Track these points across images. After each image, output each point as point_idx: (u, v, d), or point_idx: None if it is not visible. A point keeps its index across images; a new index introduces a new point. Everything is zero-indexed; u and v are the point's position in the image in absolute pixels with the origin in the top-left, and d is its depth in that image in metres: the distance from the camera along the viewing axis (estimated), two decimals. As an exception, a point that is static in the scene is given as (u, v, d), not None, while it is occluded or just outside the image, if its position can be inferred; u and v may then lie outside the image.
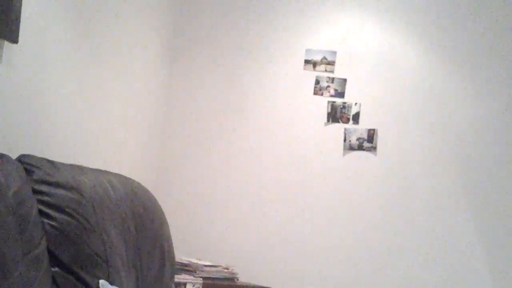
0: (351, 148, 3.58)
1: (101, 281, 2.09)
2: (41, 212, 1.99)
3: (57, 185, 2.07)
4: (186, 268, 3.25)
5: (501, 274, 3.33)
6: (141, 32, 3.37)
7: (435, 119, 3.50)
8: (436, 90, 3.52)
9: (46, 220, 1.99)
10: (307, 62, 3.66)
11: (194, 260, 3.34)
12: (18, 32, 2.19)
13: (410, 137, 3.52)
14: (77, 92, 2.73)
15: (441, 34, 3.54)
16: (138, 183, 2.72)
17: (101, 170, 2.51)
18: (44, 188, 2.04)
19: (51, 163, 2.16)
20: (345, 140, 3.58)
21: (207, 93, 3.79)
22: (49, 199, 2.03)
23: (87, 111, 2.84)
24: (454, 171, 3.45)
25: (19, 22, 2.18)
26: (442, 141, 3.48)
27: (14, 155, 2.14)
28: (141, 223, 2.54)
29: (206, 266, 3.30)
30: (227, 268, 3.39)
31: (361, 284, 3.49)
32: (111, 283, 2.13)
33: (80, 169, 2.30)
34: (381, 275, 3.46)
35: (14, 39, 2.17)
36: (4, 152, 2.01)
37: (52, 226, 2.00)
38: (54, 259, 2.00)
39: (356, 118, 3.58)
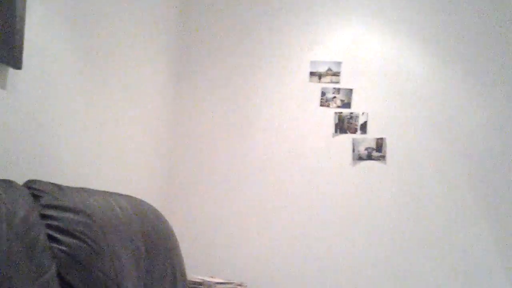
0: (360, 158, 3.56)
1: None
2: (49, 237, 1.98)
3: (65, 209, 2.07)
4: (199, 287, 3.23)
5: (518, 280, 3.29)
6: (148, 53, 3.38)
7: (443, 125, 3.48)
8: (443, 96, 3.50)
9: (55, 245, 1.98)
10: (312, 74, 3.66)
11: (206, 278, 3.32)
12: (22, 58, 2.19)
13: (419, 145, 3.50)
14: (83, 115, 2.73)
15: (445, 40, 3.52)
16: (147, 204, 2.71)
17: (109, 192, 2.51)
18: (52, 212, 2.03)
19: (58, 187, 2.15)
20: (353, 150, 3.57)
21: (214, 111, 3.79)
22: (57, 223, 2.02)
23: (94, 134, 2.84)
24: (465, 176, 3.42)
25: (22, 47, 2.18)
26: (451, 147, 3.46)
27: (21, 181, 2.14)
28: (151, 243, 2.52)
29: (218, 283, 3.27)
30: (240, 285, 3.37)
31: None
32: (123, 306, 2.11)
33: (88, 192, 2.30)
34: (394, 285, 3.43)
35: (17, 65, 2.17)
36: (11, 178, 2.01)
37: (61, 250, 1.99)
38: (64, 284, 1.98)
39: (363, 128, 3.56)
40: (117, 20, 3.00)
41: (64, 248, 2.00)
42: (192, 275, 3.36)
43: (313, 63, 3.67)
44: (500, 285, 3.30)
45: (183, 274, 2.78)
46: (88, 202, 2.18)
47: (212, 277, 3.40)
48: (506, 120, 3.41)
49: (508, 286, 3.29)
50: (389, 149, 3.53)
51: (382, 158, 3.54)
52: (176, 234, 3.06)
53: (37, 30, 2.33)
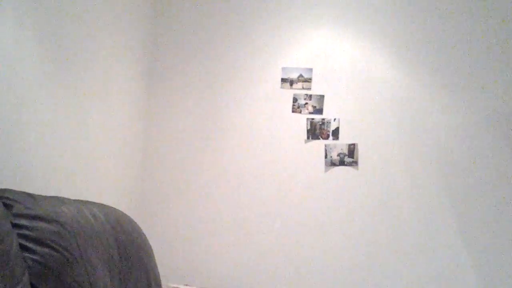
0: (333, 163, 3.58)
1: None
2: (22, 246, 1.97)
3: (37, 218, 2.05)
4: (174, 295, 3.22)
5: (485, 277, 3.33)
6: (119, 59, 3.37)
7: (413, 130, 3.52)
8: (414, 102, 3.54)
9: (27, 254, 1.97)
10: (284, 80, 3.68)
11: (181, 286, 3.31)
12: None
13: (390, 150, 3.53)
14: (54, 123, 2.70)
15: (417, 47, 3.57)
16: (121, 212, 2.69)
17: (82, 201, 2.49)
18: (24, 222, 2.01)
19: (30, 196, 2.14)
20: (326, 156, 3.59)
21: (185, 116, 3.79)
22: (29, 232, 2.00)
23: (66, 141, 2.82)
24: (436, 181, 3.46)
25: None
26: (423, 151, 3.50)
27: (-9, 190, 2.11)
28: (125, 252, 2.51)
29: (194, 291, 3.27)
30: (215, 292, 3.36)
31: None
32: (97, 314, 2.10)
33: (60, 200, 2.28)
34: (368, 285, 3.46)
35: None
36: (-19, 188, 1.98)
37: (34, 260, 1.98)
38: (37, 293, 1.96)
39: (335, 133, 3.59)
40: (87, 24, 2.99)
41: (36, 257, 1.98)
42: (167, 283, 3.34)
43: (284, 69, 3.69)
44: (470, 285, 3.34)
45: (158, 283, 2.77)
46: (60, 211, 2.16)
47: (186, 285, 3.39)
48: (474, 124, 3.46)
49: (477, 286, 3.33)
50: (361, 154, 3.57)
51: (354, 163, 3.56)
52: (150, 242, 3.04)
53: (6, 38, 2.31)
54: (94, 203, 2.55)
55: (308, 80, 3.65)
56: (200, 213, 3.70)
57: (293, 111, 3.65)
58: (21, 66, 2.44)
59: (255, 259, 3.60)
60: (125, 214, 2.71)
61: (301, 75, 3.66)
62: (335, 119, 3.60)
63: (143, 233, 2.76)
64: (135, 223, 2.75)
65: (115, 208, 2.67)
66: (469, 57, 3.50)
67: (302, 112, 3.64)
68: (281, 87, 3.67)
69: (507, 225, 3.35)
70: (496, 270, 3.32)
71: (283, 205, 3.61)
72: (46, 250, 2.02)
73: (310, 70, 3.66)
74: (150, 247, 2.79)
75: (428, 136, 3.50)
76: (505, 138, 3.41)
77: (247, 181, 3.66)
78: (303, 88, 3.65)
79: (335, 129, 3.59)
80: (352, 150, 3.56)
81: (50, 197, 2.27)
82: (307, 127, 3.63)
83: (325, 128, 3.60)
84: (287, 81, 3.67)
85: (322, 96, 3.63)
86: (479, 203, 3.39)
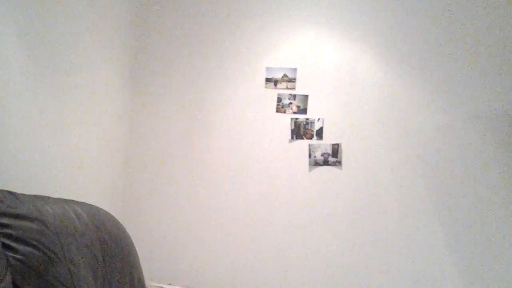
0: (316, 163, 3.60)
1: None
2: (4, 245, 1.95)
3: (20, 217, 2.04)
4: (158, 294, 3.21)
5: (469, 277, 3.36)
6: (103, 59, 3.35)
7: (397, 130, 3.54)
8: (398, 102, 3.56)
9: (9, 253, 1.95)
10: (268, 80, 3.69)
11: (165, 286, 3.30)
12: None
13: (374, 150, 3.55)
14: (39, 123, 2.69)
15: (401, 47, 3.59)
16: (105, 211, 2.68)
17: (65, 200, 2.47)
18: (6, 220, 2.00)
19: (13, 194, 2.12)
20: (310, 156, 3.60)
21: (170, 116, 3.79)
22: (11, 231, 1.99)
23: (49, 140, 2.80)
24: (419, 179, 3.49)
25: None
26: (405, 150, 3.52)
27: (-27, 189, 2.10)
28: (108, 251, 2.50)
29: (177, 290, 3.26)
30: (199, 292, 3.36)
31: (334, 299, 3.49)
32: (80, 314, 2.09)
33: (43, 199, 2.26)
34: (351, 285, 3.47)
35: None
36: (-37, 187, 1.97)
37: (16, 259, 1.96)
38: (19, 293, 1.95)
39: (319, 133, 3.60)
40: (71, 26, 2.97)
41: (18, 256, 1.97)
42: (150, 282, 3.33)
43: (268, 69, 3.70)
44: (453, 284, 3.36)
45: (141, 282, 2.76)
46: (43, 210, 2.15)
47: (170, 284, 3.38)
48: (458, 123, 3.49)
49: (460, 285, 3.36)
50: (345, 154, 3.58)
51: (338, 163, 3.58)
52: (133, 241, 3.03)
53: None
54: (77, 202, 2.54)
55: (293, 80, 3.66)
56: (184, 212, 3.70)
57: (277, 111, 3.66)
58: (4, 67, 2.42)
59: (238, 258, 3.60)
60: (109, 214, 2.70)
61: (285, 75, 3.67)
62: (319, 119, 3.62)
63: (126, 233, 2.75)
64: (119, 222, 2.74)
65: (98, 208, 2.66)
66: (454, 57, 3.53)
67: (286, 112, 3.65)
68: (266, 87, 3.68)
69: (492, 223, 3.37)
70: (481, 269, 3.35)
71: (267, 205, 3.61)
72: (29, 249, 2.00)
73: (295, 70, 3.67)
74: (133, 246, 2.78)
75: (412, 136, 3.52)
76: (490, 137, 3.44)
77: (231, 181, 3.67)
78: (287, 88, 3.66)
79: (319, 129, 3.60)
80: (336, 150, 3.58)
81: (33, 196, 2.25)
82: (291, 127, 3.64)
83: (309, 128, 3.61)
84: (271, 81, 3.68)
85: (306, 96, 3.64)
86: (464, 202, 3.42)
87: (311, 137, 3.61)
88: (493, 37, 3.50)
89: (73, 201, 2.52)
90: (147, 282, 3.20)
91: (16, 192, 2.16)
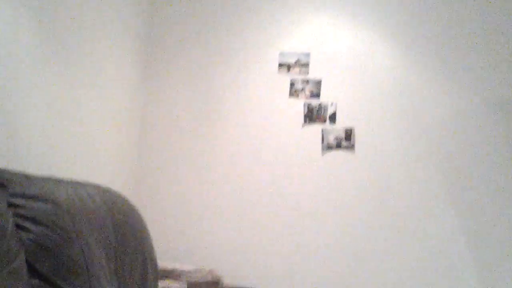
0: (329, 147, 3.61)
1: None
2: (18, 226, 1.99)
3: (33, 197, 2.08)
4: (170, 274, 3.25)
5: (482, 264, 3.36)
6: (115, 42, 3.38)
7: (410, 115, 3.53)
8: (410, 87, 3.55)
9: (23, 233, 1.99)
10: (281, 65, 3.69)
11: (177, 266, 3.34)
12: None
13: (387, 134, 3.55)
14: (52, 105, 2.73)
15: (415, 32, 3.57)
16: (117, 192, 2.72)
17: (78, 181, 2.51)
18: (19, 201, 2.04)
19: (26, 176, 2.16)
20: (323, 140, 3.61)
21: (183, 101, 3.81)
22: (25, 212, 2.03)
23: (62, 123, 2.84)
24: (431, 165, 3.48)
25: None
26: (419, 136, 3.52)
27: (-12, 170, 2.14)
28: (121, 231, 2.53)
29: (189, 271, 3.30)
30: (211, 272, 3.40)
31: (345, 280, 3.51)
32: (92, 293, 2.13)
33: (56, 181, 2.30)
34: (364, 270, 3.49)
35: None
36: (-22, 168, 2.01)
37: (29, 239, 2.00)
38: (33, 271, 1.99)
39: (332, 118, 3.61)
40: (84, 11, 3.00)
41: (32, 236, 2.01)
42: (163, 263, 3.38)
43: (282, 54, 3.70)
44: (466, 272, 3.37)
45: (154, 262, 2.80)
46: (56, 191, 2.19)
47: (182, 264, 3.43)
48: (471, 111, 3.47)
49: (473, 272, 3.36)
50: (358, 138, 3.59)
51: (351, 147, 3.59)
52: (146, 222, 3.07)
53: (3, 23, 2.33)
54: (90, 183, 2.57)
55: (306, 65, 3.66)
56: (196, 195, 3.73)
57: (290, 96, 3.67)
58: (18, 50, 2.46)
59: (249, 241, 3.64)
60: (121, 195, 2.74)
61: (298, 60, 3.67)
62: (332, 103, 3.62)
63: (139, 214, 2.79)
64: (131, 203, 2.78)
65: (111, 189, 2.70)
66: (470, 46, 3.50)
67: (299, 97, 3.66)
68: (279, 72, 3.69)
69: (508, 211, 3.36)
70: (494, 256, 3.35)
71: (279, 189, 3.64)
72: (42, 229, 2.04)
73: (308, 55, 3.67)
74: (146, 227, 2.81)
75: (426, 123, 3.51)
76: (505, 124, 3.42)
77: (244, 165, 3.69)
78: (300, 73, 3.66)
79: (332, 113, 3.61)
80: (349, 134, 3.58)
81: (47, 177, 2.29)
82: (304, 112, 3.64)
83: (322, 112, 3.62)
84: (284, 66, 3.68)
85: (319, 81, 3.65)
86: (476, 188, 3.41)
87: (324, 122, 3.62)
88: (506, 27, 3.47)
89: (86, 182, 2.56)
90: (160, 262, 3.25)
91: (29, 174, 2.20)
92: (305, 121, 3.64)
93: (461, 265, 3.37)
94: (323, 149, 3.61)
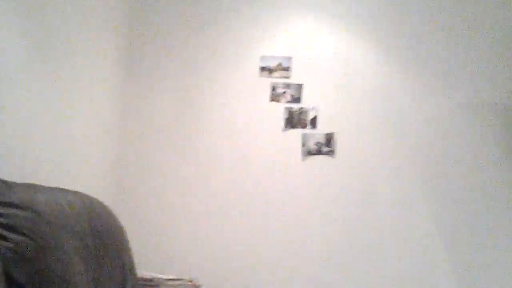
0: (310, 153, 3.59)
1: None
2: (-5, 234, 1.93)
3: (11, 204, 2.02)
4: (149, 284, 3.20)
5: (460, 266, 3.37)
6: (97, 48, 3.33)
7: (390, 120, 3.54)
8: (393, 91, 3.56)
9: (1, 241, 1.93)
10: (262, 69, 3.67)
11: (157, 275, 3.29)
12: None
13: (367, 139, 3.55)
14: (29, 109, 2.66)
15: (394, 37, 3.58)
16: (96, 200, 2.67)
17: (57, 188, 2.45)
18: (-3, 209, 1.98)
19: (4, 182, 2.10)
20: (303, 145, 3.59)
21: (162, 105, 3.76)
22: (3, 220, 1.97)
23: (41, 129, 2.78)
24: (412, 171, 3.49)
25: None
26: (398, 140, 3.52)
27: (-36, 176, 2.08)
28: (100, 239, 2.48)
29: (169, 280, 3.25)
30: (190, 281, 3.35)
31: (328, 286, 3.50)
32: (72, 303, 2.08)
33: (35, 187, 2.24)
34: (345, 276, 3.47)
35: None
36: (-47, 174, 1.94)
37: (7, 247, 1.94)
38: (11, 281, 1.93)
39: (313, 123, 3.59)
40: (67, 13, 2.95)
41: (10, 245, 1.95)
42: (142, 271, 3.32)
43: (263, 58, 3.68)
44: (446, 277, 3.38)
45: (133, 271, 2.75)
46: (35, 198, 2.13)
47: (162, 273, 3.37)
48: (453, 114, 3.49)
49: (452, 278, 3.37)
50: (338, 143, 3.58)
51: (331, 152, 3.57)
52: (125, 230, 3.02)
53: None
54: (69, 190, 2.52)
55: (287, 69, 3.64)
56: (175, 201, 3.69)
57: (271, 100, 3.65)
58: (5, 56, 2.40)
59: (230, 247, 3.60)
60: (101, 202, 2.69)
61: (280, 64, 3.65)
62: (313, 108, 3.60)
63: (118, 221, 2.74)
64: (111, 211, 2.73)
65: (90, 196, 2.64)
66: (454, 49, 3.53)
67: (280, 101, 3.64)
68: (260, 76, 3.67)
69: (487, 213, 3.38)
70: (475, 259, 3.37)
71: (259, 193, 3.61)
72: (20, 237, 1.98)
73: (289, 58, 3.65)
74: (125, 235, 2.77)
75: (406, 127, 3.52)
76: (485, 127, 3.45)
77: (223, 169, 3.65)
78: (281, 77, 3.64)
79: (313, 118, 3.59)
80: (329, 139, 3.57)
81: (25, 184, 2.23)
82: (285, 116, 3.62)
83: (303, 117, 3.60)
84: (266, 70, 3.66)
85: (300, 85, 3.63)
86: (458, 192, 3.43)
87: (304, 126, 3.60)
88: (489, 26, 3.49)
89: (65, 189, 2.50)
90: (139, 271, 3.19)
91: (7, 180, 2.14)
92: (285, 125, 3.62)
93: (443, 268, 3.38)
94: (303, 154, 3.59)
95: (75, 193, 2.53)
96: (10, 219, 1.98)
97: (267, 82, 3.66)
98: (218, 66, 3.72)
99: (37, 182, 2.44)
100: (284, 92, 3.64)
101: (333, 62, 3.62)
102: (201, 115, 3.71)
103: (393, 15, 3.59)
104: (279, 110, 3.63)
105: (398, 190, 3.49)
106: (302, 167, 3.59)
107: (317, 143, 3.58)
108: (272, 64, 3.66)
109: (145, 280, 3.20)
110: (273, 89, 3.65)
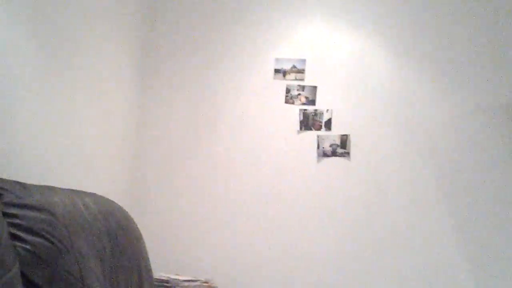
0: (325, 154, 3.59)
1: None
2: (12, 236, 1.95)
3: (28, 207, 2.04)
4: (165, 285, 3.22)
5: (479, 271, 3.35)
6: (112, 52, 3.35)
7: (406, 122, 3.53)
8: (407, 93, 3.54)
9: (18, 243, 1.95)
10: (277, 71, 3.67)
11: (173, 276, 3.31)
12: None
13: (382, 141, 3.54)
14: (48, 113, 2.69)
15: (409, 39, 3.57)
16: (112, 202, 2.69)
17: (74, 190, 2.48)
18: (14, 210, 2.00)
19: (21, 185, 2.12)
20: (318, 147, 3.59)
21: (179, 108, 3.78)
22: (20, 221, 1.99)
23: (59, 131, 2.80)
24: (428, 172, 3.47)
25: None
26: (414, 143, 3.50)
27: (-18, 179, 2.10)
28: (116, 241, 2.50)
29: (185, 281, 3.27)
30: (206, 282, 3.36)
31: (343, 287, 3.49)
32: (88, 304, 2.10)
33: (52, 190, 2.27)
34: (361, 277, 3.46)
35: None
36: (-28, 177, 1.97)
37: (24, 249, 1.96)
38: (28, 283, 1.95)
39: (328, 124, 3.59)
40: (80, 15, 2.97)
41: (27, 246, 1.97)
42: (158, 273, 3.34)
43: (277, 60, 3.68)
44: (462, 280, 3.35)
45: (149, 273, 2.77)
46: (52, 200, 2.15)
47: (177, 274, 3.39)
48: (468, 117, 3.47)
49: (469, 280, 3.35)
50: (353, 145, 3.57)
51: (346, 154, 3.57)
52: (141, 232, 3.04)
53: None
54: (86, 192, 2.54)
55: (301, 71, 3.65)
56: (191, 203, 3.70)
57: (285, 102, 3.65)
58: (17, 58, 2.42)
59: (246, 250, 3.60)
60: (117, 204, 2.71)
61: (294, 66, 3.66)
62: (327, 110, 3.60)
63: (134, 223, 2.76)
64: (127, 213, 2.75)
65: (107, 198, 2.67)
66: (467, 51, 3.50)
67: (294, 103, 3.64)
68: (274, 78, 3.67)
69: (501, 217, 3.36)
70: (491, 262, 3.34)
71: (274, 195, 3.61)
72: (38, 239, 2.01)
73: (304, 61, 3.66)
74: (141, 236, 2.79)
75: (422, 129, 3.50)
76: (501, 130, 3.42)
77: (239, 172, 3.66)
78: (296, 79, 3.65)
79: (328, 120, 3.59)
80: (344, 141, 3.57)
81: (42, 186, 2.26)
82: (299, 118, 3.62)
83: (318, 119, 3.60)
84: (280, 72, 3.67)
85: (315, 87, 3.63)
86: (473, 196, 3.40)
87: (319, 128, 3.60)
88: (508, 28, 3.47)
89: (82, 191, 2.53)
90: (155, 272, 3.21)
91: (25, 183, 2.16)
92: (300, 127, 3.62)
93: (460, 272, 3.36)
94: (318, 155, 3.59)
95: (92, 195, 2.55)
96: (27, 221, 2.01)
97: (281, 84, 3.66)
98: (233, 69, 3.74)
99: (54, 185, 2.46)
100: (299, 94, 3.64)
101: (347, 64, 3.61)
102: (216, 118, 3.72)
103: (408, 18, 3.58)
104: (294, 112, 3.63)
105: (413, 193, 3.48)
106: (317, 169, 3.59)
107: (332, 145, 3.58)
108: (286, 66, 3.67)
109: (161, 281, 3.22)
110: (288, 91, 3.65)
